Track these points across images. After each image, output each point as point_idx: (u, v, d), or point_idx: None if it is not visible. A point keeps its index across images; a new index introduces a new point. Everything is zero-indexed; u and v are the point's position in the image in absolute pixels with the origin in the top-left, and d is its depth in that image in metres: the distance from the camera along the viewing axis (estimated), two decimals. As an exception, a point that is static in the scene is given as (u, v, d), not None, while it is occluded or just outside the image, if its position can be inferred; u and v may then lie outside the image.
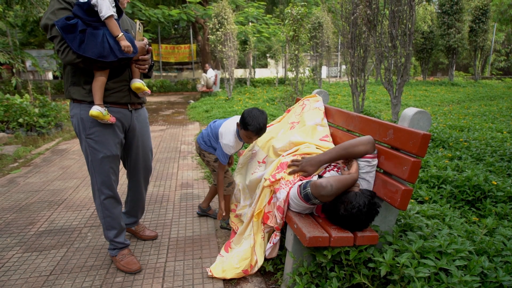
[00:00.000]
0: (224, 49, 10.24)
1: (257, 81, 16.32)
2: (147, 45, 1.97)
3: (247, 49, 14.48)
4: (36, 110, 6.26)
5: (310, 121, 2.48)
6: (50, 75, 17.11)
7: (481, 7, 15.16)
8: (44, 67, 10.35)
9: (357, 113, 2.38)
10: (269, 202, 2.06)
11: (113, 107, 1.98)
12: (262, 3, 16.63)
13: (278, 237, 2.00)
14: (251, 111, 2.23)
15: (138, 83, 2.01)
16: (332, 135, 2.44)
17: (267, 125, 2.86)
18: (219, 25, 10.10)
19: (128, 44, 1.80)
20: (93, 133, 1.94)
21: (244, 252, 2.13)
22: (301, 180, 1.98)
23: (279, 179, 1.99)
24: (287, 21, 6.53)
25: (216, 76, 12.20)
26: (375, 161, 1.89)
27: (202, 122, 7.63)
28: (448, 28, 15.10)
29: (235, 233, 2.41)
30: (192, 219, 2.88)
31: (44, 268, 2.18)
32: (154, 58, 16.17)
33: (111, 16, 1.77)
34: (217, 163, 2.51)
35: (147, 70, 2.06)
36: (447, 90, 13.53)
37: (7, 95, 6.28)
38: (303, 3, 6.63)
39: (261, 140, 2.63)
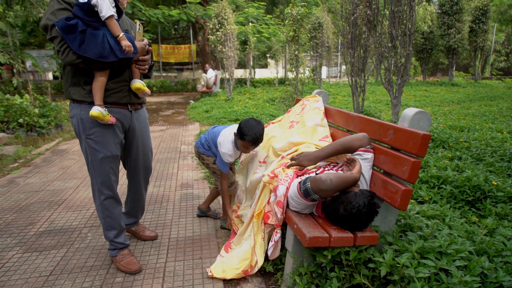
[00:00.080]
0: (224, 50, 10.24)
1: (257, 81, 16.32)
2: (147, 46, 1.98)
3: (247, 49, 14.49)
4: (36, 110, 6.26)
5: (310, 121, 2.48)
6: (50, 76, 17.12)
7: (481, 7, 15.16)
8: (44, 67, 10.36)
9: (357, 113, 2.38)
10: (268, 202, 2.06)
11: (113, 108, 1.98)
12: (262, 3, 16.64)
13: (279, 235, 2.00)
14: (247, 121, 2.27)
15: (138, 83, 2.01)
16: (332, 135, 2.44)
17: (268, 123, 2.88)
18: (219, 25, 10.10)
19: (129, 44, 1.80)
20: (93, 134, 1.94)
21: (244, 252, 2.13)
22: (297, 175, 2.00)
23: (277, 175, 2.01)
24: (287, 21, 6.53)
25: (216, 76, 12.20)
26: (368, 155, 1.91)
27: (202, 123, 7.64)
28: (448, 29, 15.10)
29: (235, 233, 2.41)
30: (192, 219, 2.88)
31: (44, 268, 2.18)
32: (154, 59, 16.17)
33: (112, 16, 1.77)
34: (216, 165, 2.54)
35: (147, 70, 2.06)
36: (447, 90, 13.53)
37: (7, 95, 6.28)
38: (303, 4, 6.63)
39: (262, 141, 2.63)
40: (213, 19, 10.24)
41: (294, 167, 2.05)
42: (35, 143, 5.60)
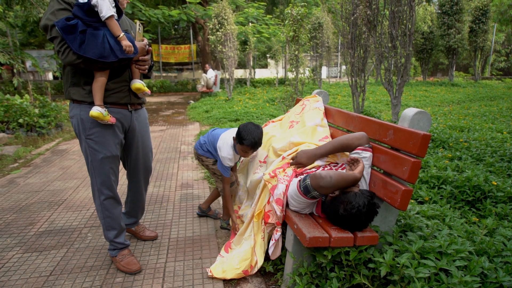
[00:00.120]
0: (224, 50, 10.25)
1: (257, 81, 16.32)
2: (147, 46, 1.98)
3: (247, 49, 14.49)
4: (36, 110, 6.26)
5: (310, 121, 2.48)
6: (50, 76, 17.13)
7: (481, 7, 15.16)
8: (44, 67, 10.36)
9: (357, 113, 2.39)
10: (268, 202, 2.06)
11: (113, 108, 1.98)
12: (262, 3, 16.64)
13: (279, 233, 2.00)
14: (246, 125, 2.29)
15: (138, 83, 2.01)
16: (332, 135, 2.44)
17: (268, 122, 2.88)
18: (219, 25, 10.10)
19: (130, 44, 1.81)
20: (93, 134, 1.94)
21: (244, 253, 2.13)
22: (296, 174, 2.01)
23: (277, 175, 2.03)
24: (287, 21, 6.53)
25: (216, 76, 12.20)
26: (366, 154, 1.91)
27: (202, 123, 7.64)
28: (448, 29, 15.09)
29: (235, 233, 2.41)
30: (192, 219, 2.88)
31: (44, 268, 2.18)
32: (154, 59, 16.18)
33: (112, 16, 1.77)
34: (215, 166, 2.55)
35: (147, 70, 2.06)
36: (447, 90, 13.53)
37: (7, 96, 6.28)
38: (303, 4, 6.63)
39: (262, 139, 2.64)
40: (213, 19, 10.24)
41: (293, 166, 2.06)
42: (35, 143, 5.60)
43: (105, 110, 1.89)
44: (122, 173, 2.70)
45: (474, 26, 15.45)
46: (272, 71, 17.09)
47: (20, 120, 5.97)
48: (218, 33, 10.11)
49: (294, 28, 6.37)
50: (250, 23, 15.68)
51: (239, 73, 18.78)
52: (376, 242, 1.71)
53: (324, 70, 18.82)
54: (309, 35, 12.33)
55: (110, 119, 1.92)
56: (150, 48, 2.03)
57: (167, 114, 9.47)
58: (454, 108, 8.68)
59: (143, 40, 1.99)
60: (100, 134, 1.95)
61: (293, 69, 6.79)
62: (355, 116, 2.28)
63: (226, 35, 10.20)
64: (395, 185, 1.72)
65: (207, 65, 12.57)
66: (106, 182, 2.03)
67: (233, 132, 2.43)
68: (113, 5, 1.81)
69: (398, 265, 1.55)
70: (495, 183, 2.80)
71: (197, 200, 3.28)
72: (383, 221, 1.88)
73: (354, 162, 1.88)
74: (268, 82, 16.38)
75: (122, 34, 1.79)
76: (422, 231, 1.91)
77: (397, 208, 1.70)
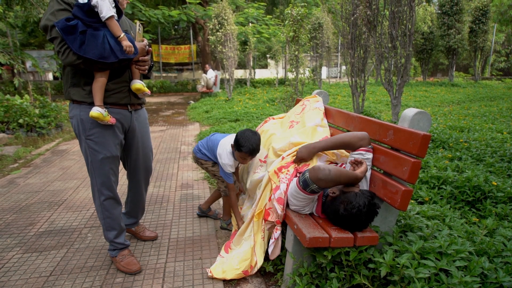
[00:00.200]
0: (224, 50, 10.25)
1: (257, 81, 16.32)
2: (147, 46, 1.98)
3: (247, 49, 14.49)
4: (36, 110, 6.26)
5: (310, 122, 2.48)
6: (50, 76, 17.14)
7: (481, 7, 15.16)
8: (44, 67, 10.37)
9: (357, 113, 2.39)
10: (270, 199, 2.06)
11: (113, 108, 1.98)
12: (262, 3, 16.65)
13: (279, 232, 2.00)
14: (244, 132, 2.31)
15: (138, 84, 2.01)
16: (332, 136, 2.44)
17: (269, 118, 2.89)
18: (219, 25, 10.10)
19: (130, 44, 1.81)
20: (93, 134, 1.94)
21: (244, 253, 2.13)
22: (298, 172, 2.03)
23: (281, 168, 2.06)
24: (287, 21, 6.54)
25: (216, 76, 12.20)
26: (369, 155, 1.91)
27: (202, 123, 7.64)
28: (448, 29, 15.09)
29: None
30: (192, 219, 2.88)
31: (44, 268, 2.18)
32: (154, 59, 16.19)
33: (112, 16, 1.77)
34: (214, 168, 2.57)
35: (147, 71, 2.07)
36: (447, 90, 13.53)
37: (7, 96, 6.28)
38: (303, 4, 6.63)
39: (262, 138, 2.64)
40: (213, 20, 10.24)
41: (295, 164, 2.07)
42: (35, 144, 5.60)
43: (105, 111, 1.89)
44: (122, 174, 2.71)
45: (474, 26, 15.45)
46: (272, 71, 17.10)
47: (20, 121, 5.97)
48: (218, 33, 10.11)
49: (294, 28, 6.37)
50: (250, 24, 15.68)
51: (239, 74, 18.78)
52: (376, 242, 1.71)
53: (324, 71, 18.82)
54: (309, 35, 12.33)
55: (110, 119, 1.92)
56: (150, 48, 2.03)
57: (167, 114, 9.47)
58: (454, 109, 8.68)
59: (143, 41, 1.99)
60: (100, 135, 1.95)
61: (293, 70, 6.79)
62: (355, 116, 2.29)
63: (226, 35, 10.20)
64: (395, 185, 1.72)
65: (207, 66, 12.57)
66: (106, 183, 2.03)
67: (231, 138, 2.45)
68: (113, 5, 1.81)
69: (398, 266, 1.55)
70: (495, 184, 2.80)
71: (197, 200, 3.28)
72: (383, 221, 1.88)
73: (358, 163, 1.88)
74: (268, 83, 16.39)
75: (122, 34, 1.79)
76: (422, 231, 1.91)
77: (397, 209, 1.70)
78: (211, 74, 12.05)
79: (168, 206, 3.16)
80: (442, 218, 2.30)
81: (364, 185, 1.93)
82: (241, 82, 15.75)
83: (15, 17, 9.36)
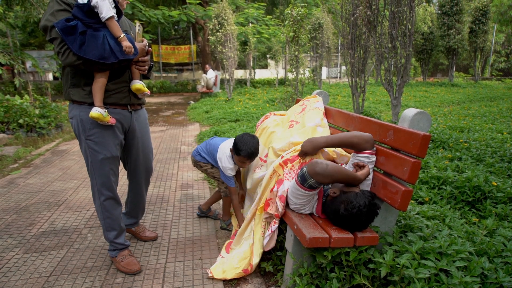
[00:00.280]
0: (224, 50, 10.25)
1: (257, 82, 16.32)
2: (147, 46, 1.98)
3: (247, 50, 14.49)
4: (36, 111, 6.26)
5: (310, 122, 2.48)
6: (50, 76, 17.13)
7: (481, 8, 15.16)
8: (44, 68, 10.36)
9: (357, 114, 2.39)
10: (272, 190, 2.06)
11: (113, 108, 1.98)
12: (262, 4, 16.65)
13: (277, 225, 2.01)
14: (242, 136, 2.33)
15: (138, 84, 2.01)
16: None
17: (270, 113, 2.89)
18: (219, 26, 10.11)
19: (130, 45, 1.81)
20: (93, 135, 1.94)
21: (244, 252, 2.14)
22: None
23: (286, 161, 2.06)
24: (287, 22, 6.54)
25: (216, 77, 12.20)
26: (374, 158, 1.91)
27: (202, 123, 7.64)
28: (448, 29, 15.09)
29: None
30: (192, 220, 2.88)
31: (44, 269, 2.18)
32: (154, 59, 16.19)
33: (112, 17, 1.77)
34: (213, 169, 2.59)
35: (146, 71, 2.07)
36: (447, 91, 13.53)
37: (7, 96, 6.28)
38: (303, 4, 6.64)
39: (263, 136, 2.64)
40: (213, 20, 10.24)
41: (300, 159, 2.07)
42: (35, 144, 5.60)
43: (105, 111, 1.89)
44: (123, 174, 2.71)
45: (474, 26, 15.45)
46: (272, 71, 17.09)
47: (20, 121, 5.97)
48: (218, 33, 10.11)
49: (294, 28, 6.38)
50: (250, 24, 15.69)
51: (239, 74, 18.78)
52: (376, 242, 1.71)
53: (324, 71, 18.82)
54: (309, 35, 12.33)
55: (110, 120, 1.92)
56: (150, 49, 2.03)
57: (167, 114, 9.48)
58: (454, 109, 8.68)
59: (143, 41, 1.99)
60: (100, 135, 1.95)
61: (293, 70, 6.80)
62: (355, 116, 2.29)
63: (226, 35, 10.21)
64: (395, 185, 1.72)
65: (207, 66, 12.57)
66: (106, 183, 2.03)
67: (231, 142, 2.47)
68: (113, 6, 1.81)
69: (398, 266, 1.55)
70: (495, 184, 2.80)
71: (197, 200, 3.28)
72: (383, 221, 1.88)
73: (360, 166, 1.87)
74: (268, 83, 16.39)
75: (122, 35, 1.79)
76: (422, 231, 1.91)
77: (397, 209, 1.70)
78: (211, 74, 12.05)
79: (168, 207, 3.16)
80: (442, 218, 2.30)
81: (366, 188, 1.93)
82: (241, 82, 15.76)
83: (15, 18, 9.37)
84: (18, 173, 4.21)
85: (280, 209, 1.94)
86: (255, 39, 14.86)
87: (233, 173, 2.48)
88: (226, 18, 10.04)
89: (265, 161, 2.47)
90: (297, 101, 2.96)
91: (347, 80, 9.28)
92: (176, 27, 19.22)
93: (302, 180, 1.76)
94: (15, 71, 7.56)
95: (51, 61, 9.80)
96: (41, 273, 2.13)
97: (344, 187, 1.83)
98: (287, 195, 1.94)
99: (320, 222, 1.85)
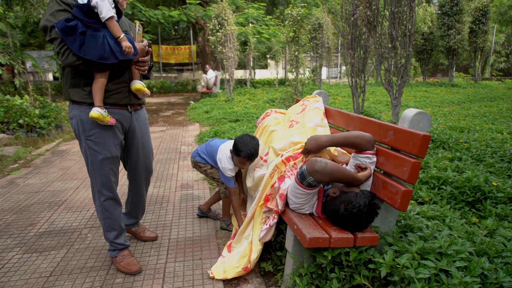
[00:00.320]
0: (224, 50, 10.25)
1: (257, 82, 16.32)
2: (146, 47, 1.98)
3: (247, 50, 14.49)
4: (36, 111, 6.26)
5: (310, 122, 2.48)
6: (50, 76, 17.13)
7: (481, 8, 15.16)
8: (44, 68, 10.36)
9: (357, 114, 2.38)
10: (272, 186, 2.07)
11: (113, 109, 1.98)
12: (262, 4, 16.66)
13: (276, 220, 2.02)
14: (242, 137, 2.34)
15: (138, 84, 2.01)
16: (332, 136, 2.44)
17: (271, 110, 2.89)
18: (219, 26, 10.11)
19: (130, 45, 1.81)
20: (93, 135, 1.94)
21: (244, 250, 2.15)
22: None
23: (289, 158, 2.06)
24: (287, 22, 6.54)
25: (216, 77, 12.21)
26: (375, 158, 1.91)
27: (202, 123, 7.64)
28: (448, 29, 15.10)
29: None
30: (192, 220, 2.88)
31: (44, 269, 2.18)
32: (154, 59, 16.19)
33: (112, 17, 1.77)
34: (213, 170, 2.59)
35: (146, 71, 2.07)
36: (447, 91, 13.53)
37: (7, 96, 6.28)
38: (303, 4, 6.64)
39: (263, 134, 2.64)
40: (213, 20, 10.25)
41: (303, 156, 2.07)
42: (35, 144, 5.60)
43: (105, 111, 1.89)
44: (123, 174, 2.71)
45: (474, 26, 15.45)
46: (272, 71, 17.09)
47: (20, 121, 5.97)
48: (218, 33, 10.11)
49: (294, 28, 6.38)
50: (250, 24, 15.69)
51: (239, 74, 18.78)
52: (376, 242, 1.71)
53: (324, 71, 18.82)
54: (309, 35, 12.33)
55: (110, 120, 1.92)
56: (150, 49, 2.03)
57: (167, 114, 9.48)
58: (454, 109, 8.68)
59: (142, 41, 1.99)
60: (100, 135, 1.95)
61: (293, 70, 6.80)
62: (355, 116, 2.29)
63: (226, 35, 10.21)
64: (395, 185, 1.72)
65: (207, 66, 12.57)
66: (106, 183, 2.03)
67: (231, 144, 2.48)
68: (113, 6, 1.81)
69: (398, 266, 1.55)
70: (495, 184, 2.79)
71: (197, 200, 3.28)
72: (383, 221, 1.88)
73: (362, 168, 1.87)
74: (268, 83, 16.39)
75: (122, 35, 1.79)
76: (422, 231, 1.91)
77: (397, 209, 1.70)
78: (211, 75, 12.05)
79: (168, 207, 3.16)
80: (442, 218, 2.30)
81: (366, 188, 1.92)
82: (241, 82, 15.76)
83: (15, 18, 9.37)
84: (18, 173, 4.21)
85: (280, 207, 1.95)
86: (255, 39, 14.86)
87: (233, 174, 2.48)
88: (226, 18, 10.04)
89: (265, 161, 2.47)
90: (297, 101, 2.96)
91: (347, 80, 9.28)
92: (176, 27, 19.23)
93: (301, 178, 1.76)
94: (15, 71, 7.57)
95: (51, 61, 9.80)
96: (41, 273, 2.13)
97: (344, 187, 1.83)
98: (287, 193, 1.94)
99: (320, 222, 1.85)
